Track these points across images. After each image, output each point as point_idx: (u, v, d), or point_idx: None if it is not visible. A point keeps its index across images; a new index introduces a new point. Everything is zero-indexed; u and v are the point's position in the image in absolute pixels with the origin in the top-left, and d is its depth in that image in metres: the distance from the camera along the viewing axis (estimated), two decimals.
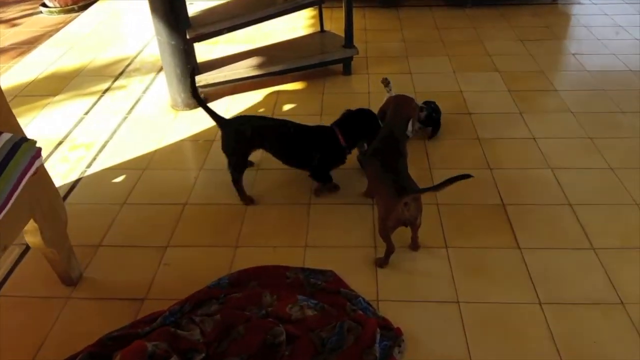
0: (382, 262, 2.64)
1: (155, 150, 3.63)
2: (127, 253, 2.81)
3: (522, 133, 3.65)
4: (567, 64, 4.64)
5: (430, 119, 3.58)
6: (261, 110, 4.06)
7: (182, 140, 3.74)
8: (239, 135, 2.96)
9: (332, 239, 2.84)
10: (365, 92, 4.24)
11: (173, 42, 3.80)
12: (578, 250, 2.71)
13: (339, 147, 3.01)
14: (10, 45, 5.49)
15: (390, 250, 2.61)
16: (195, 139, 3.75)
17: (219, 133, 3.57)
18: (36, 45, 5.40)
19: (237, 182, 3.04)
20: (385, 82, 3.53)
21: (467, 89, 4.21)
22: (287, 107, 4.10)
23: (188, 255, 2.78)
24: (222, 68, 4.13)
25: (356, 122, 3.04)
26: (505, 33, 5.16)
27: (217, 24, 3.93)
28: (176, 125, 3.90)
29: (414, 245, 2.72)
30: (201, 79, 4.00)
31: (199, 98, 3.03)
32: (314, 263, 2.68)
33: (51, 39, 5.51)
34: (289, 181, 3.27)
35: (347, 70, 4.49)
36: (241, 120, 3.09)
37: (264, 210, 3.05)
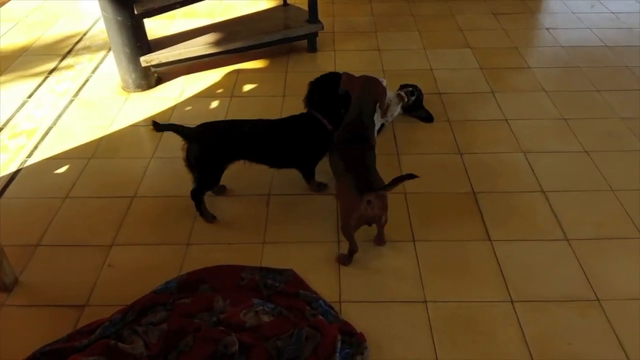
0: (344, 260, 2.46)
1: (102, 137, 3.36)
2: (68, 253, 2.57)
3: (494, 114, 3.48)
4: (541, 39, 4.46)
5: (417, 103, 3.38)
6: (219, 91, 3.80)
7: (132, 126, 3.46)
8: (212, 149, 2.55)
9: (293, 234, 2.64)
10: (332, 70, 3.98)
11: (120, 18, 3.49)
12: (551, 242, 2.57)
13: (326, 133, 2.64)
14: None
15: (353, 250, 2.42)
16: (146, 123, 3.48)
17: (174, 115, 3.32)
18: None
19: (199, 198, 2.65)
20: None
21: (437, 67, 4.01)
22: (247, 87, 3.84)
23: (134, 254, 2.55)
24: (177, 45, 3.84)
25: (330, 94, 2.63)
26: (478, 6, 4.95)
27: None
28: (126, 109, 3.62)
29: (379, 240, 2.54)
30: (153, 58, 3.71)
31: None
32: (272, 261, 2.48)
33: None
34: (245, 169, 3.03)
35: (312, 47, 4.23)
36: (211, 129, 2.60)
37: (218, 203, 2.83)
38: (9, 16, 5.00)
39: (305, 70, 3.99)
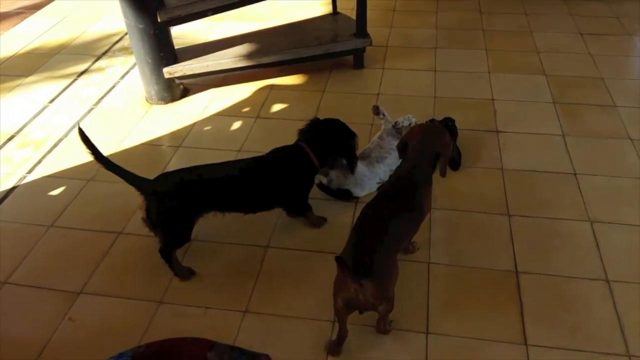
0: (332, 348, 2.00)
1: (110, 155, 3.06)
2: (33, 297, 2.29)
3: (561, 165, 2.84)
4: (634, 71, 3.70)
5: None
6: (246, 109, 3.41)
7: (144, 144, 3.16)
8: (178, 202, 2.19)
9: (282, 303, 2.21)
10: (374, 92, 3.49)
11: (141, 26, 3.18)
12: (610, 357, 1.96)
13: (312, 168, 2.38)
14: (17, 9, 5.03)
15: (341, 336, 1.96)
16: (159, 142, 3.17)
17: (190, 135, 2.95)
18: (34, 11, 4.93)
19: (168, 254, 2.29)
20: (375, 111, 2.85)
21: (500, 97, 3.39)
22: (277, 107, 3.43)
23: (100, 308, 2.23)
24: (206, 56, 3.49)
25: (327, 134, 2.43)
26: (563, 23, 4.22)
27: (197, 3, 3.27)
28: (144, 124, 3.33)
29: (381, 328, 2.05)
30: (177, 70, 3.38)
31: (101, 157, 2.24)
32: (250, 338, 2.07)
33: (50, 5, 5.02)
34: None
35: (358, 63, 3.74)
36: (172, 179, 2.23)
37: (207, 250, 2.45)
38: (60, 8, 4.89)
39: (344, 91, 3.53)
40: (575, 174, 2.78)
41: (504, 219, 2.54)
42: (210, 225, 2.53)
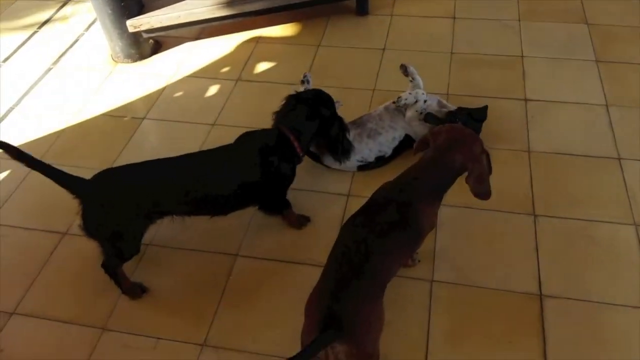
0: None
1: (64, 129, 2.63)
2: None
3: (603, 147, 2.30)
4: None
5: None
6: (225, 69, 2.89)
7: (102, 115, 2.70)
8: (119, 208, 1.77)
9: (248, 334, 1.81)
10: (379, 46, 2.92)
11: None
12: None
13: (294, 156, 1.95)
14: None
15: None
16: (121, 112, 2.70)
17: (158, 103, 2.54)
18: None
19: (113, 270, 1.91)
20: (404, 71, 2.31)
21: (532, 53, 2.79)
22: (262, 66, 2.90)
23: (34, 334, 1.87)
24: (176, 4, 2.93)
25: (311, 114, 1.98)
26: None
27: None
28: (107, 87, 2.85)
29: None
30: (143, 22, 2.85)
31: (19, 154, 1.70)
32: None
33: None
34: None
35: (361, 8, 3.15)
36: (115, 179, 1.80)
37: (165, 261, 2.05)
38: None
39: (344, 45, 2.97)
40: (619, 159, 2.24)
41: (527, 220, 2.05)
42: (170, 226, 2.11)
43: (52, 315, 1.91)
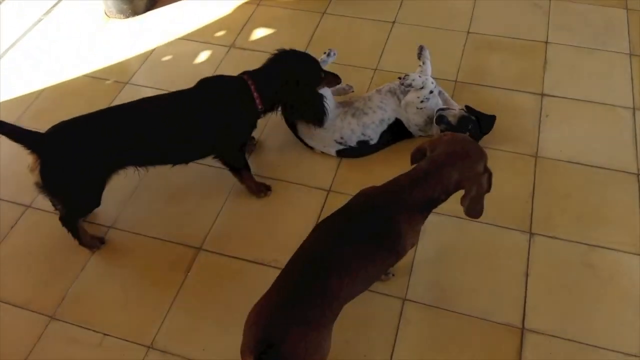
0: None
1: (42, 91, 2.49)
2: None
3: (622, 159, 2.04)
4: None
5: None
6: (220, 33, 2.67)
7: (85, 77, 2.53)
8: (77, 159, 1.69)
9: (198, 340, 1.69)
10: (389, 19, 2.65)
11: None
12: None
13: (253, 110, 1.86)
14: None
15: None
16: (105, 75, 2.54)
17: (144, 67, 2.46)
18: None
19: (73, 226, 1.84)
20: (419, 52, 2.10)
21: (558, 39, 2.49)
22: (259, 33, 2.67)
23: None
24: None
25: (282, 70, 1.89)
26: None
27: None
28: (94, 45, 2.68)
29: None
30: None
31: None
32: None
33: None
34: (190, 186, 2.06)
35: None
36: (71, 130, 1.71)
37: (126, 246, 1.92)
38: None
39: (349, 14, 2.72)
40: (638, 175, 1.99)
41: (522, 238, 1.84)
42: (135, 209, 2.00)
43: (4, 296, 1.82)
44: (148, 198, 2.05)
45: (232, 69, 2.46)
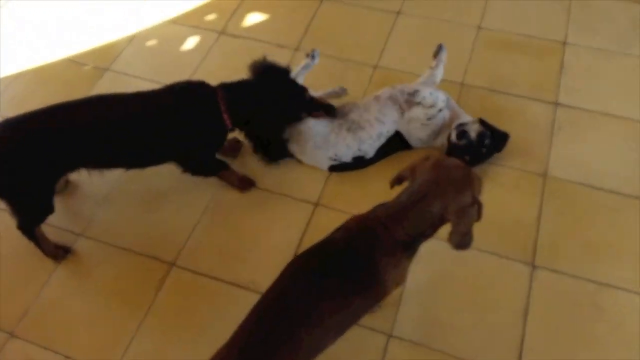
0: None
1: (20, 73, 2.32)
2: None
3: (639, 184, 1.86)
4: None
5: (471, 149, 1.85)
6: (210, 17, 2.47)
7: (65, 60, 2.36)
8: (22, 162, 1.54)
9: None
10: (394, 9, 2.44)
11: None
12: None
13: (221, 126, 1.70)
14: None
15: None
16: (85, 59, 2.36)
17: (126, 51, 2.41)
18: None
19: (31, 231, 1.70)
20: (436, 51, 1.92)
21: (578, 40, 2.27)
22: (251, 19, 2.46)
23: None
24: None
25: (257, 92, 1.71)
26: None
27: None
28: (76, 21, 2.50)
29: None
30: None
31: None
32: None
33: None
34: (168, 193, 1.91)
35: None
36: (16, 130, 1.55)
37: (95, 257, 1.79)
38: None
39: (351, 2, 2.48)
40: None
41: (524, 271, 1.68)
42: (108, 215, 1.86)
43: None
44: (122, 202, 1.90)
45: (220, 59, 2.30)
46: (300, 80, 1.91)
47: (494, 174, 1.89)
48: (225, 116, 1.65)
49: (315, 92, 1.92)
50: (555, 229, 1.76)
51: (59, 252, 1.76)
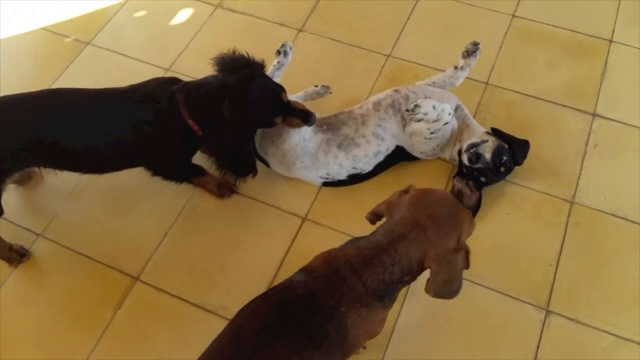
0: None
1: None
2: None
3: None
4: None
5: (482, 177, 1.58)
6: None
7: (44, 30, 2.13)
8: None
9: None
10: None
11: None
12: None
13: (185, 136, 1.45)
14: None
15: None
16: (66, 29, 2.12)
17: (111, 24, 2.19)
18: None
19: None
20: (471, 48, 1.62)
21: (626, 38, 1.95)
22: None
23: None
24: None
25: (224, 91, 1.40)
26: None
27: None
28: None
29: None
30: None
31: None
32: None
33: None
34: (138, 196, 1.70)
35: None
36: None
37: (56, 262, 1.61)
38: None
39: None
40: None
41: (535, 316, 1.45)
42: (72, 214, 1.68)
43: None
44: (90, 200, 1.71)
45: (214, 36, 2.05)
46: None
47: (513, 195, 1.63)
48: (190, 122, 1.41)
49: (292, 95, 1.65)
50: (577, 269, 1.51)
51: (13, 256, 1.57)
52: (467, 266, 1.09)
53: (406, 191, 1.12)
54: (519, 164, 1.61)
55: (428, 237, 1.05)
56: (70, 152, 1.42)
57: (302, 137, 1.56)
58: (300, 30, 2.04)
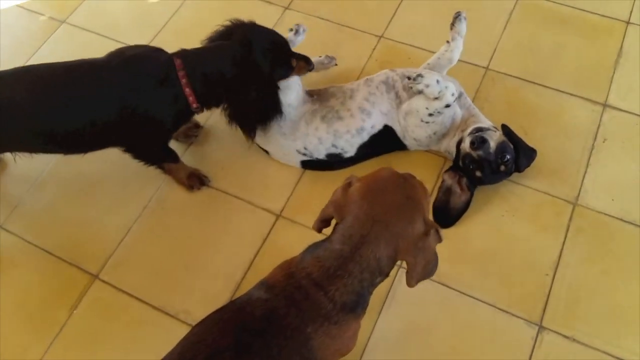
0: None
1: None
2: None
3: None
4: None
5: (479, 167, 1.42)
6: None
7: (18, 7, 2.02)
8: None
9: None
10: None
11: None
12: None
13: (185, 108, 1.36)
14: None
15: None
16: (42, 7, 2.01)
17: (83, 5, 2.04)
18: None
19: None
20: (455, 20, 1.49)
21: None
22: None
23: None
24: None
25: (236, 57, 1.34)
26: None
27: None
28: None
29: None
30: None
31: None
32: None
33: None
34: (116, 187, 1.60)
35: None
36: None
37: (17, 258, 1.51)
38: None
39: None
40: None
41: (526, 333, 1.30)
42: (34, 204, 1.59)
43: None
44: (54, 190, 1.60)
45: (193, 17, 1.93)
46: None
47: (508, 193, 1.48)
48: (188, 95, 1.31)
49: None
50: (576, 280, 1.35)
51: None
52: (440, 240, 0.99)
53: (349, 184, 1.00)
54: (519, 171, 1.45)
55: (392, 231, 0.94)
56: (51, 132, 1.32)
57: (287, 103, 1.45)
58: (286, 9, 1.89)
